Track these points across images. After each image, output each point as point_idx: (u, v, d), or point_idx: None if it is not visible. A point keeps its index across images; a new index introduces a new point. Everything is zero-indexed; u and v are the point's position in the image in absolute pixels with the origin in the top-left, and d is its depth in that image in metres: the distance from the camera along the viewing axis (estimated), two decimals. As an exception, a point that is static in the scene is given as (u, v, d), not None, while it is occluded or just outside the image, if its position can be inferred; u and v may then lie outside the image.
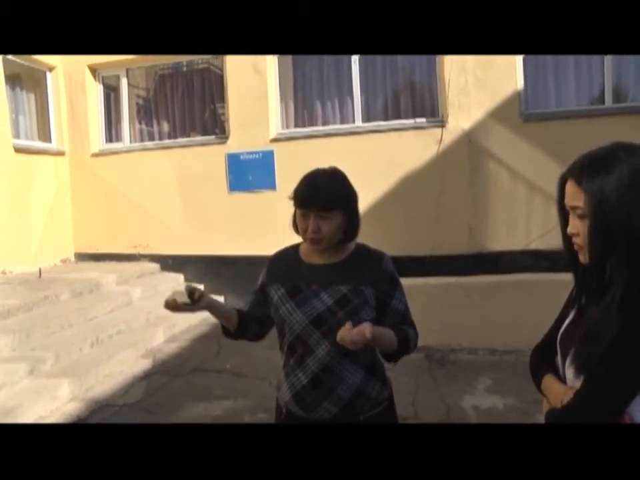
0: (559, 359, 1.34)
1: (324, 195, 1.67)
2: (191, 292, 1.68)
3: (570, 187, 1.24)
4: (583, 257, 1.25)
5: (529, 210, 5.69)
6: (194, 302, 1.68)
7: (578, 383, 1.20)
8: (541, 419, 1.33)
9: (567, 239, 1.29)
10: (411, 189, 5.91)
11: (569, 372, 1.24)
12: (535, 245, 5.62)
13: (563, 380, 1.31)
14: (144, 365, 4.81)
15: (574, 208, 1.22)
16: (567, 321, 1.35)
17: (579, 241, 1.23)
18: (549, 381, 1.34)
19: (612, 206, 1.15)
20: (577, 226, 1.23)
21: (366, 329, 1.46)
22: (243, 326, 1.85)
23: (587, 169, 1.20)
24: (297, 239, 1.89)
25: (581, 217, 1.21)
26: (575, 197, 1.21)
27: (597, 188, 1.16)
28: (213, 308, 1.77)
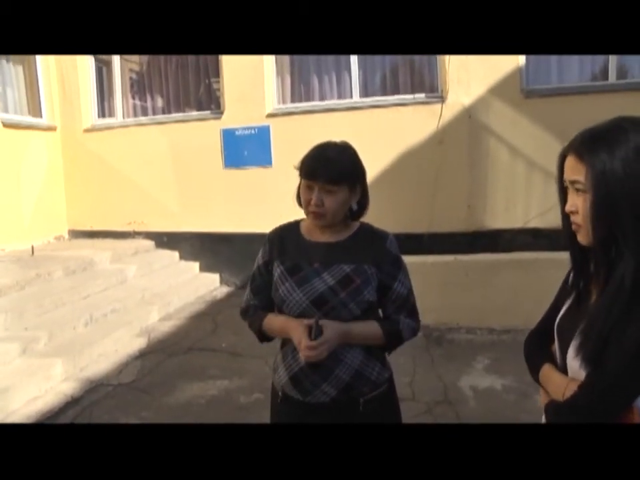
0: (556, 347, 1.27)
1: (331, 167, 1.60)
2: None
3: (570, 161, 1.15)
4: (582, 237, 1.16)
5: (528, 187, 5.62)
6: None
7: (581, 374, 1.12)
8: (539, 399, 1.28)
9: (566, 218, 1.20)
10: (409, 165, 5.81)
11: (573, 363, 1.15)
12: (534, 223, 5.56)
13: (560, 369, 1.23)
14: (139, 343, 4.76)
15: (573, 182, 1.13)
16: (565, 307, 1.27)
17: (578, 219, 1.14)
18: (548, 371, 1.26)
19: (617, 179, 1.06)
20: (575, 203, 1.14)
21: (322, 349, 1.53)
22: None
23: (588, 142, 1.11)
24: (293, 214, 1.82)
25: (581, 192, 1.12)
26: (575, 170, 1.12)
27: (600, 160, 1.08)
28: None
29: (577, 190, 1.13)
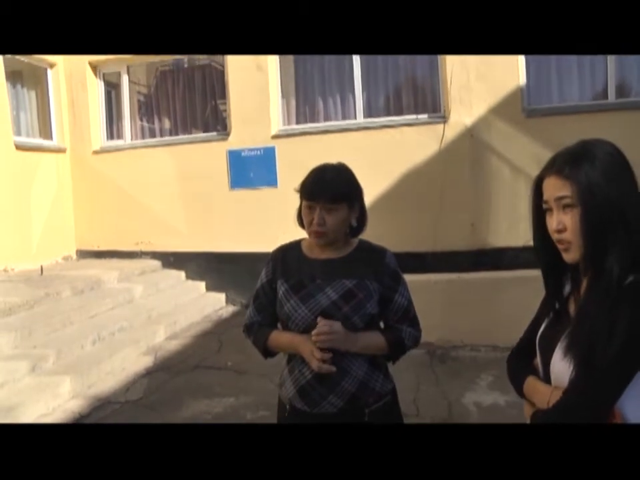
0: (538, 361, 1.32)
1: (331, 186, 1.69)
2: None
3: (551, 181, 1.20)
4: (572, 253, 1.19)
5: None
6: None
7: (565, 380, 1.17)
8: (524, 412, 1.31)
9: (544, 241, 1.25)
10: (413, 185, 5.89)
11: (559, 366, 1.19)
12: (537, 241, 5.58)
13: (543, 381, 1.28)
14: (145, 362, 4.80)
15: (560, 199, 1.17)
16: (546, 322, 1.32)
17: (567, 236, 1.17)
18: (532, 382, 1.30)
19: (602, 190, 1.12)
20: (562, 220, 1.17)
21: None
22: None
23: (569, 159, 1.17)
24: (298, 234, 1.88)
25: (568, 208, 1.16)
26: (559, 187, 1.17)
27: (584, 174, 1.14)
28: None
29: (564, 206, 1.17)
